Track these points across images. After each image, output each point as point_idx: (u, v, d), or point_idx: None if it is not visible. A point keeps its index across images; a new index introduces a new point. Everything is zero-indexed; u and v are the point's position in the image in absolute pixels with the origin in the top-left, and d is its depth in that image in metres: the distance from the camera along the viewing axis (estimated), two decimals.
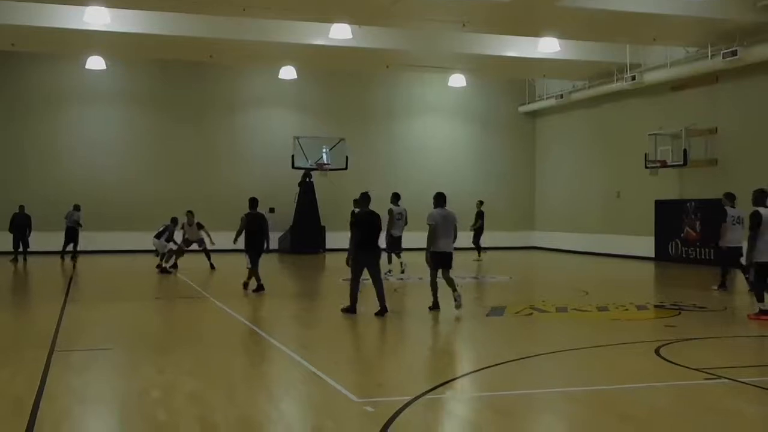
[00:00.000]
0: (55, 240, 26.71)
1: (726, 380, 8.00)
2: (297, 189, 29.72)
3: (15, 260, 24.66)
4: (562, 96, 30.54)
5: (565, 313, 13.35)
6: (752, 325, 12.08)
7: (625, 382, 8.04)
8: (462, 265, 22.80)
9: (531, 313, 13.28)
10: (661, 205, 26.02)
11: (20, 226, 25.10)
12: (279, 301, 15.96)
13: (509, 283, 19.64)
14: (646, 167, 25.70)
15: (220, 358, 9.49)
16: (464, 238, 18.87)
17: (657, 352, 9.45)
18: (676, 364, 8.81)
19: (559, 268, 22.86)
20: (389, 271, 20.02)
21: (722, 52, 22.06)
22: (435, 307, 13.24)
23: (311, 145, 29.49)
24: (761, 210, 12.05)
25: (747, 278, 13.86)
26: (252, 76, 30.64)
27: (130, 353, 9.73)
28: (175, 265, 21.36)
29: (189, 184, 29.35)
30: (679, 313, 13.27)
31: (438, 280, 13.35)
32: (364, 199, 13.29)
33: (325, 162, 29.61)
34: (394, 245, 20.21)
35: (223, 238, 22.17)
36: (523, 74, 31.38)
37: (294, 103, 31.29)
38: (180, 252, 21.59)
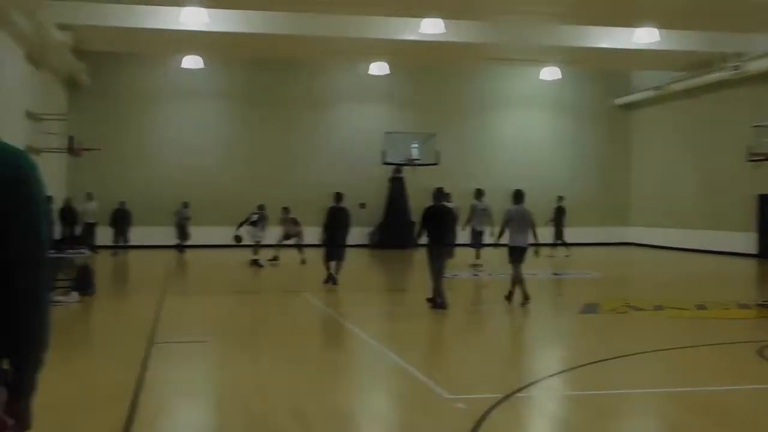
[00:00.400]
0: (155, 234, 27.63)
1: None
2: (387, 184, 29.81)
3: (115, 254, 25.51)
4: (659, 87, 29.71)
5: (661, 311, 13.00)
6: None
7: (725, 384, 7.77)
8: (551, 262, 22.49)
9: (626, 311, 12.97)
10: (764, 200, 25.06)
11: (121, 220, 25.95)
12: (369, 295, 16.07)
13: (602, 279, 19.23)
14: (749, 160, 24.77)
15: (313, 351, 9.60)
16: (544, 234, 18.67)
17: (760, 352, 9.10)
18: None
19: (656, 264, 22.28)
20: (476, 265, 20.07)
21: None
22: (510, 297, 13.68)
23: (402, 141, 29.52)
24: None
25: None
26: (344, 72, 30.84)
27: (225, 345, 9.93)
28: (275, 258, 21.83)
29: (282, 180, 29.76)
30: None
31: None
32: (437, 194, 13.49)
33: (416, 157, 29.60)
34: (476, 240, 20.52)
35: (315, 233, 22.49)
36: (619, 66, 30.64)
37: (385, 99, 31.35)
38: (280, 246, 22.05)
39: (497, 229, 13.76)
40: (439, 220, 13.06)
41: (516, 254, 13.47)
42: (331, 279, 16.44)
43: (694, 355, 9.34)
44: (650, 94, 30.58)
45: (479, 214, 20.62)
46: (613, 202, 32.81)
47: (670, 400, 7.21)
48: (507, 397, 6.92)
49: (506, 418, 6.42)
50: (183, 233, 27.21)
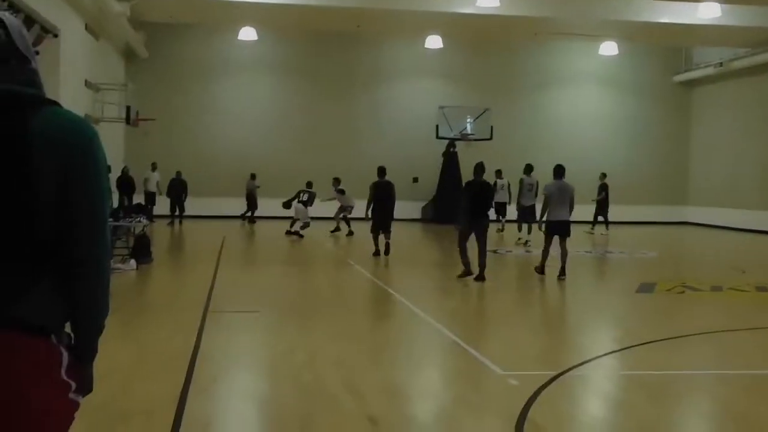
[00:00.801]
0: (210, 204, 28.07)
1: None
2: (441, 159, 29.69)
3: (171, 223, 25.88)
4: (721, 64, 28.99)
5: (720, 292, 12.76)
6: None
7: None
8: (590, 239, 22.23)
9: (683, 291, 12.76)
10: None
11: (177, 190, 26.30)
12: (421, 270, 16.05)
13: (659, 258, 18.94)
14: None
15: (364, 324, 9.64)
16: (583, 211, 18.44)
17: None
18: None
19: (715, 244, 21.85)
20: (527, 242, 19.99)
21: None
22: (541, 271, 13.92)
23: (456, 115, 29.34)
24: None
25: None
26: (398, 45, 30.69)
27: (277, 316, 10.03)
28: (337, 229, 22.43)
29: (333, 153, 29.81)
30: None
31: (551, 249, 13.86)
32: (478, 169, 13.62)
33: (470, 132, 29.40)
34: (525, 215, 20.66)
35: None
36: (680, 42, 29.95)
37: (439, 73, 31.13)
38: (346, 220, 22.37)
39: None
40: (478, 196, 13.24)
41: (556, 229, 13.58)
42: (380, 252, 16.73)
43: (754, 338, 9.16)
44: (711, 71, 29.87)
45: (527, 189, 20.78)
46: (672, 181, 32.23)
47: (728, 383, 7.08)
48: (560, 375, 6.87)
49: (558, 396, 6.37)
50: (252, 203, 27.66)
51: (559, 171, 14.01)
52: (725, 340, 9.06)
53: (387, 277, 14.31)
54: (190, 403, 5.87)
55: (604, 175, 25.79)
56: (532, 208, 20.12)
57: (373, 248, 16.93)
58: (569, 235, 13.76)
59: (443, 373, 7.41)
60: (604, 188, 25.33)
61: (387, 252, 16.82)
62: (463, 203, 13.34)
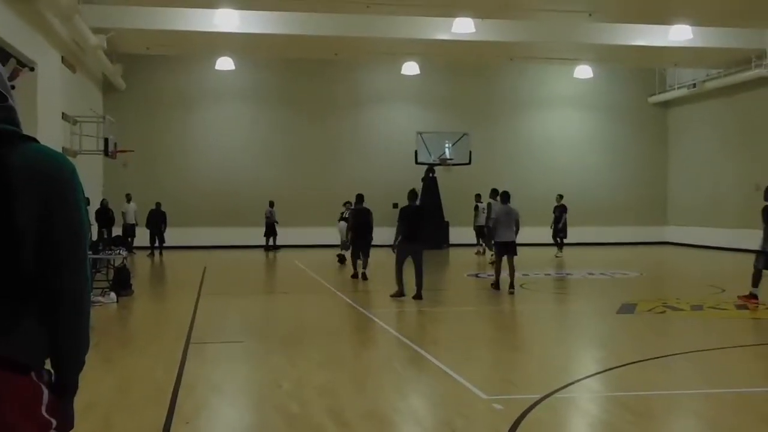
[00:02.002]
0: (190, 235, 27.97)
1: None
2: (420, 184, 29.76)
3: (151, 255, 25.73)
4: (695, 85, 29.37)
5: (700, 311, 12.83)
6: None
7: (766, 385, 7.63)
8: (570, 262, 22.31)
9: (664, 311, 12.82)
10: None
11: (156, 221, 26.16)
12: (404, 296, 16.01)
13: (639, 279, 19.04)
14: None
15: (348, 352, 9.60)
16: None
17: None
18: None
19: (694, 264, 22.00)
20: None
21: None
22: (496, 286, 15.49)
23: (434, 140, 29.48)
24: None
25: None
26: (375, 72, 30.86)
27: (260, 346, 9.97)
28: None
29: (314, 180, 29.83)
30: None
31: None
32: (410, 195, 15.36)
33: (448, 157, 29.53)
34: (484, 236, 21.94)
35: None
36: (653, 63, 30.34)
37: (417, 99, 31.31)
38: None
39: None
40: (413, 220, 14.42)
41: (504, 248, 15.32)
42: (360, 275, 17.49)
43: (734, 356, 9.21)
44: (685, 92, 30.26)
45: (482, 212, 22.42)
46: (650, 201, 32.47)
47: (709, 401, 7.11)
48: (545, 397, 6.87)
49: (544, 419, 6.36)
50: (271, 231, 27.69)
51: (505, 196, 15.78)
52: (708, 359, 9.10)
53: (369, 303, 14.27)
54: None
55: (560, 197, 25.72)
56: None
57: (352, 271, 17.78)
58: (516, 254, 15.37)
59: (428, 399, 7.39)
60: (561, 209, 25.27)
61: (365, 277, 17.38)
62: (397, 228, 14.52)
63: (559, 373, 8.20)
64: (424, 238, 14.55)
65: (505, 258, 15.30)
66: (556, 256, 24.32)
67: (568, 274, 20.02)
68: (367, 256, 17.58)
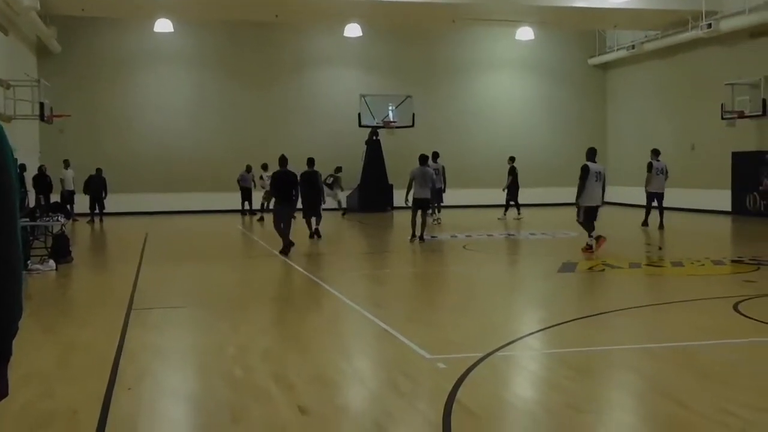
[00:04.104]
0: (131, 201, 27.58)
1: None
2: (364, 147, 29.73)
3: (92, 221, 25.30)
4: (633, 47, 29.74)
5: (638, 269, 13.12)
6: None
7: (704, 339, 7.86)
8: (511, 224, 22.58)
9: (603, 269, 13.07)
10: (738, 158, 25.27)
11: (96, 187, 25.67)
12: (348, 259, 16.08)
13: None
14: (723, 118, 24.94)
15: (293, 316, 9.60)
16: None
17: (735, 308, 9.21)
18: (756, 320, 8.58)
19: (632, 223, 22.39)
20: (436, 220, 22.67)
21: None
22: (413, 237, 17.53)
23: (378, 103, 29.38)
24: (590, 164, 15.01)
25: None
26: (317, 35, 30.58)
27: (204, 311, 9.91)
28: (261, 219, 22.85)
29: (256, 144, 29.55)
30: (758, 269, 12.93)
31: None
32: (281, 161, 16.03)
33: (392, 120, 29.50)
34: (433, 198, 22.16)
35: None
36: (593, 25, 30.61)
37: (360, 61, 31.16)
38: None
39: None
40: (284, 184, 15.64)
41: (423, 204, 17.71)
42: (315, 233, 18.39)
43: (671, 312, 9.45)
44: (624, 53, 30.62)
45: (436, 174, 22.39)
46: None
47: (649, 356, 7.29)
48: (487, 356, 6.97)
49: (486, 378, 6.46)
50: (246, 196, 27.27)
51: (422, 159, 17.92)
52: (646, 315, 9.32)
53: (313, 267, 14.27)
54: (115, 402, 5.76)
55: (512, 159, 25.49)
56: (440, 190, 22.37)
57: (308, 232, 18.40)
58: (428, 210, 18.27)
59: (372, 361, 7.44)
60: (512, 172, 24.93)
61: (318, 235, 18.37)
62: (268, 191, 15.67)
63: (500, 332, 8.32)
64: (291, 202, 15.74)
65: (419, 212, 17.57)
66: (516, 218, 24.24)
67: (510, 234, 20.27)
68: (319, 216, 18.55)
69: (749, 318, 8.71)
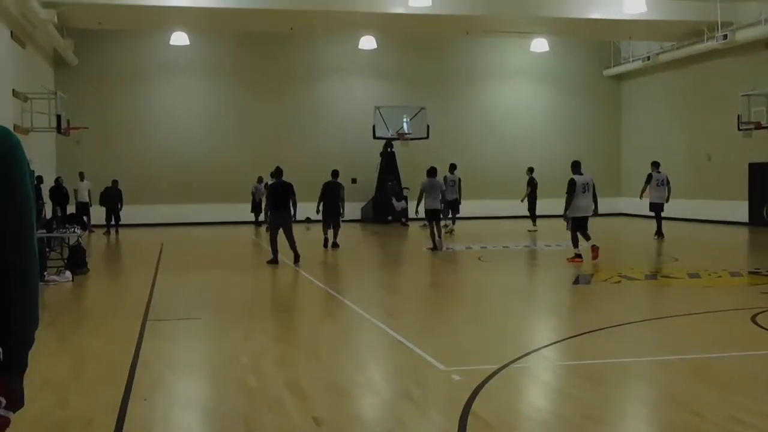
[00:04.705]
0: (147, 212, 27.72)
1: None
2: (379, 159, 29.75)
3: (108, 233, 25.42)
4: (648, 58, 29.66)
5: (654, 281, 13.05)
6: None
7: (720, 351, 7.79)
8: (531, 236, 22.51)
9: (619, 281, 13.00)
10: (755, 168, 25.11)
11: (112, 199, 25.78)
12: (362, 269, 16.08)
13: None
14: (739, 129, 24.82)
15: (307, 325, 9.61)
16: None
17: (753, 319, 9.14)
18: None
19: (648, 234, 22.29)
20: (452, 231, 22.94)
21: None
22: (435, 248, 18.07)
23: (392, 115, 29.42)
24: (576, 177, 15.43)
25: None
26: (332, 46, 30.67)
27: (219, 322, 9.91)
28: None
29: (271, 155, 29.44)
30: None
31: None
32: (276, 172, 16.22)
33: (406, 131, 29.51)
34: (450, 209, 23.28)
35: (303, 208, 22.60)
36: (608, 36, 30.56)
37: (374, 73, 31.22)
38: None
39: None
40: (280, 194, 15.68)
41: (436, 215, 18.48)
42: (330, 244, 18.75)
43: (688, 324, 9.38)
44: (639, 64, 30.54)
45: (449, 185, 22.84)
46: (605, 173, 32.68)
47: (665, 368, 7.24)
48: (502, 368, 6.94)
49: (501, 389, 6.42)
50: (259, 208, 27.22)
51: (430, 171, 18.68)
52: (662, 327, 9.26)
53: (327, 278, 14.27)
54: (130, 411, 5.78)
55: (531, 170, 25.43)
56: (455, 201, 23.20)
57: (323, 241, 18.98)
58: (441, 218, 18.91)
59: (386, 371, 7.43)
60: (531, 183, 24.84)
61: (336, 246, 18.80)
62: (266, 202, 16.16)
63: (516, 344, 8.29)
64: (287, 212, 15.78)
65: (434, 223, 18.28)
66: (530, 230, 24.01)
67: (525, 246, 20.20)
68: (338, 226, 18.97)
69: (767, 330, 8.63)
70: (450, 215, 23.33)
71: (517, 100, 32.36)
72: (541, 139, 31.88)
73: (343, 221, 19.61)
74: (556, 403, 6.28)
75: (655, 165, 21.71)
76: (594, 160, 32.45)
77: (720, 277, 13.34)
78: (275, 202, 15.92)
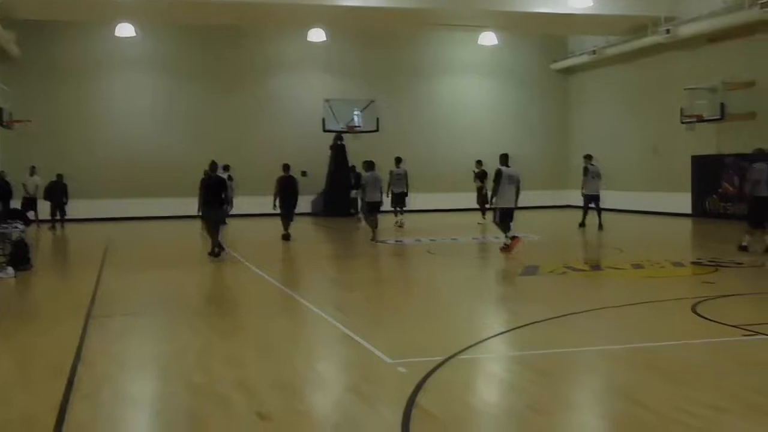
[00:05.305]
0: (94, 206, 27.34)
1: (764, 336, 7.89)
2: (329, 152, 29.68)
3: (53, 228, 24.96)
4: (595, 52, 30.03)
5: (600, 272, 13.25)
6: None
7: (662, 340, 7.95)
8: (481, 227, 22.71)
9: (565, 272, 13.18)
10: (697, 161, 25.62)
11: (57, 194, 25.30)
12: (312, 263, 16.05)
13: (542, 241, 19.49)
14: (683, 122, 25.29)
15: (256, 321, 9.55)
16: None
17: (694, 309, 9.34)
18: (714, 321, 8.70)
19: (594, 226, 22.65)
20: (401, 224, 22.93)
21: (760, 2, 21.51)
22: (374, 238, 18.72)
23: (342, 108, 29.37)
24: (503, 168, 15.95)
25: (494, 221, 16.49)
26: (282, 39, 30.48)
27: (165, 318, 9.83)
28: None
29: (220, 149, 29.21)
30: (717, 270, 13.12)
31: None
32: (212, 166, 16.20)
33: (356, 124, 29.49)
34: (397, 202, 23.45)
35: (256, 202, 22.60)
36: (555, 30, 30.89)
37: (324, 66, 31.13)
38: None
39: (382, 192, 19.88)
40: (211, 189, 15.70)
41: (373, 207, 19.23)
42: (286, 236, 19.01)
43: (632, 314, 9.55)
44: (586, 58, 30.92)
45: (396, 179, 23.29)
46: (554, 165, 33.16)
47: (611, 357, 7.37)
48: (448, 359, 6.99)
49: (447, 381, 6.47)
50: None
51: (370, 165, 19.54)
52: (606, 317, 9.41)
53: (277, 273, 14.22)
54: (72, 409, 5.70)
55: (480, 163, 25.65)
56: (403, 194, 23.39)
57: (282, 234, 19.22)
58: (380, 211, 19.47)
59: (334, 365, 7.44)
60: (480, 176, 25.11)
61: (289, 238, 18.99)
62: (199, 196, 15.84)
63: (463, 335, 8.34)
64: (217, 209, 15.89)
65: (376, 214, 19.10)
66: (479, 223, 24.19)
67: (474, 238, 20.36)
68: (292, 219, 19.20)
69: (707, 319, 8.83)
70: (399, 209, 23.44)
71: (467, 94, 32.55)
72: (490, 133, 32.08)
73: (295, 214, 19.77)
74: (501, 394, 6.36)
75: (588, 158, 22.39)
76: (542, 152, 32.89)
77: (663, 267, 13.60)
78: (207, 196, 15.86)
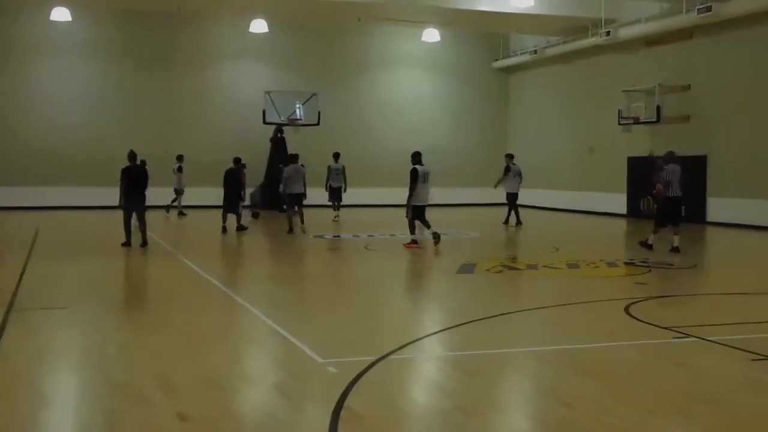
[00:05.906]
0: (25, 194, 26.56)
1: (694, 338, 7.94)
2: (269, 144, 29.33)
3: None
4: (536, 51, 30.26)
5: (535, 271, 13.27)
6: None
7: (595, 341, 7.95)
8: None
9: (501, 271, 13.18)
10: (633, 162, 25.98)
11: None
12: (247, 258, 15.80)
13: (480, 239, 19.52)
14: (620, 124, 25.61)
15: (183, 316, 9.29)
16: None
17: (626, 310, 9.38)
18: (645, 322, 8.74)
19: (531, 224, 22.80)
20: (336, 218, 23.04)
21: (697, 7, 21.87)
22: (290, 231, 19.31)
23: (283, 100, 29.01)
24: (418, 167, 15.97)
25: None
26: (222, 28, 30.03)
27: (89, 312, 9.51)
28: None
29: (158, 138, 28.76)
30: (650, 271, 13.26)
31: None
32: (130, 156, 16.15)
33: (297, 117, 29.20)
34: (335, 196, 23.54)
35: (194, 193, 22.22)
36: (497, 29, 31.00)
37: (265, 57, 30.76)
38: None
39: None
40: (136, 179, 15.80)
41: (293, 199, 19.68)
42: (239, 227, 19.44)
43: (565, 314, 9.55)
44: (527, 58, 31.13)
45: (334, 174, 23.41)
46: (493, 163, 33.15)
47: (541, 358, 7.32)
48: (379, 359, 6.86)
49: (378, 382, 6.34)
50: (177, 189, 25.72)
51: (293, 158, 20.23)
52: (540, 318, 9.39)
53: (209, 266, 13.92)
54: None
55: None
56: (339, 189, 23.39)
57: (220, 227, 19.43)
58: (302, 205, 19.82)
59: (261, 363, 7.25)
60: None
61: (244, 228, 19.61)
62: (120, 187, 15.74)
63: (397, 334, 8.22)
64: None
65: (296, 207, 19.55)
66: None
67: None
68: (239, 213, 19.66)
69: (638, 320, 8.87)
70: (336, 203, 23.31)
71: (408, 89, 32.51)
72: (431, 129, 32.12)
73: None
74: (431, 395, 6.25)
75: (510, 157, 23.61)
76: (481, 150, 33.03)
77: (597, 267, 13.70)
78: (129, 186, 15.72)
